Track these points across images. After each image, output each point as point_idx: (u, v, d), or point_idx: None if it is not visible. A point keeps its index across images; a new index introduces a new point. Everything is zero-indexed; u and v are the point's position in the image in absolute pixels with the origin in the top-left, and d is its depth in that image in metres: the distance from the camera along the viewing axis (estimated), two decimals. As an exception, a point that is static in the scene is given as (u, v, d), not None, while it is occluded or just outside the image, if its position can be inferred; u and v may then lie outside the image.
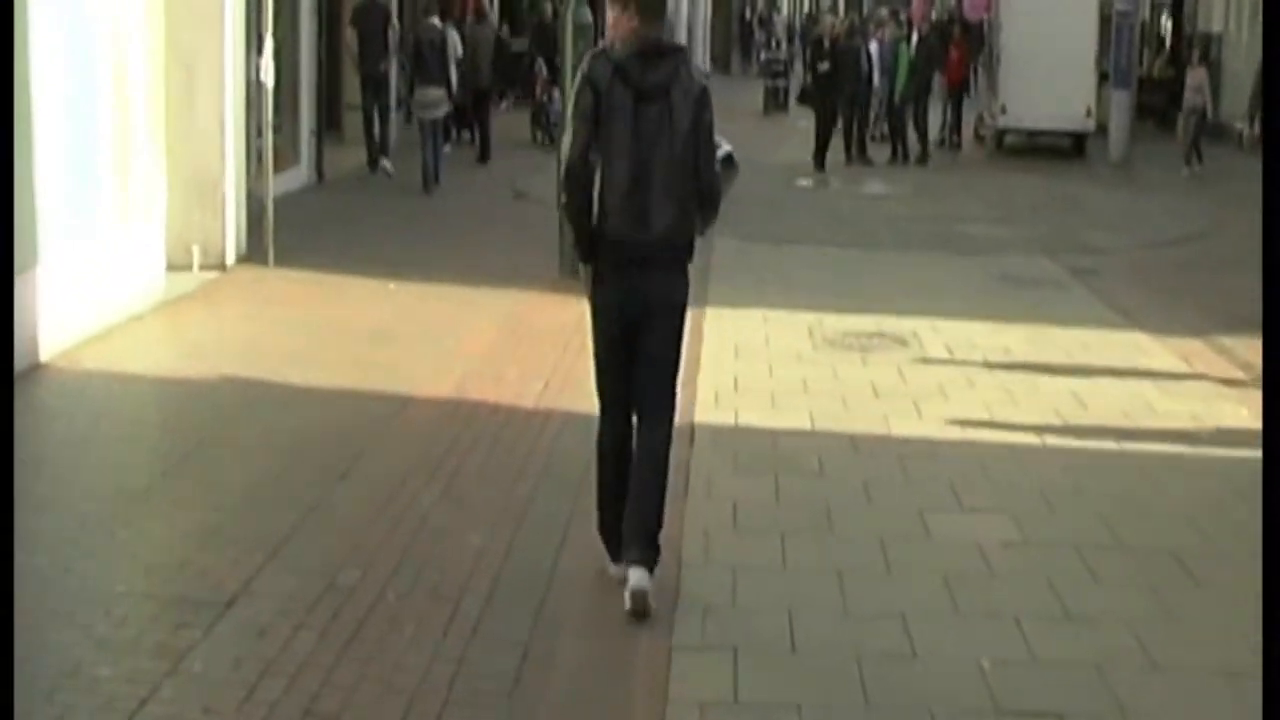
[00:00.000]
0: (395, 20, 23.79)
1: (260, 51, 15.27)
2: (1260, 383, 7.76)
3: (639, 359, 7.11)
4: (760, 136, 30.73)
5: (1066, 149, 30.10)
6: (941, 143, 30.39)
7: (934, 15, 46.38)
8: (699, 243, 7.33)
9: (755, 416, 10.26)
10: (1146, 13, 38.22)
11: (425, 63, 21.27)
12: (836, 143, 26.60)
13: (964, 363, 12.06)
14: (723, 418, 10.19)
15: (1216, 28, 35.77)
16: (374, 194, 20.94)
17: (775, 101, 38.31)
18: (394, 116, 23.90)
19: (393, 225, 18.31)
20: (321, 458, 9.09)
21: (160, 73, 13.50)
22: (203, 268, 14.33)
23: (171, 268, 13.71)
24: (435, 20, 22.00)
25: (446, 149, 23.07)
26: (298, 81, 20.93)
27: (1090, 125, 29.48)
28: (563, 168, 7.02)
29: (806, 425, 10.14)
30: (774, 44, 49.42)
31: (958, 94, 31.10)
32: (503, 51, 26.50)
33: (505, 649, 6.50)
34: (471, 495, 8.56)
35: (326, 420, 9.92)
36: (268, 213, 15.00)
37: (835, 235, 19.14)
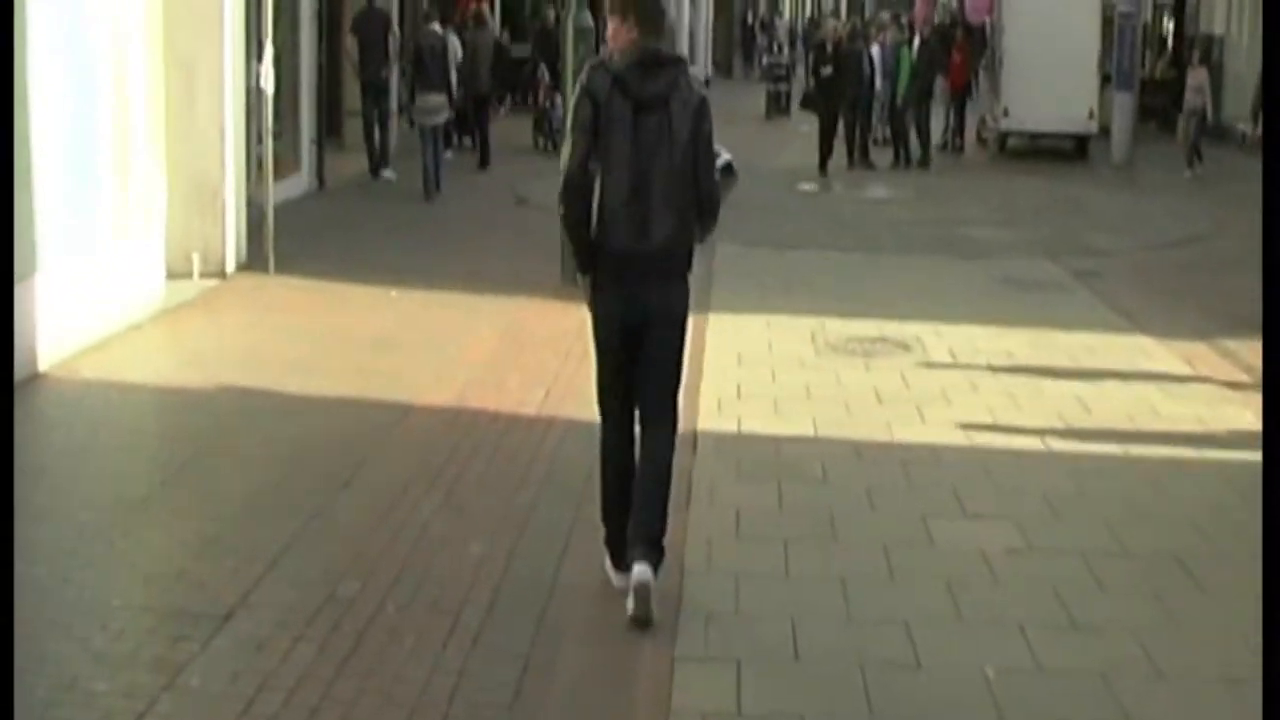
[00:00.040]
0: (396, 27, 23.77)
1: (260, 58, 15.24)
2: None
3: (641, 368, 7.11)
4: (762, 141, 30.72)
5: (1069, 151, 30.06)
6: (944, 146, 30.36)
7: (936, 18, 46.38)
8: (700, 248, 7.32)
9: (758, 423, 10.21)
10: (1148, 14, 38.18)
11: (426, 69, 21.25)
12: (839, 147, 26.55)
13: (967, 367, 12.01)
14: (725, 425, 10.14)
15: (1218, 29, 35.73)
16: (375, 201, 20.90)
17: (777, 106, 38.27)
18: (394, 123, 23.87)
19: (394, 232, 18.28)
20: (322, 466, 9.06)
21: (160, 78, 13.47)
22: (203, 275, 14.30)
23: (171, 276, 13.68)
24: (436, 26, 22.00)
25: (448, 155, 23.04)
26: (298, 88, 20.91)
27: (1093, 127, 29.44)
28: (562, 179, 6.99)
29: (809, 432, 10.09)
30: (776, 48, 49.24)
31: (960, 97, 31.06)
32: (502, 57, 26.46)
33: (506, 660, 6.45)
34: (473, 504, 8.52)
35: (327, 429, 9.88)
36: (268, 220, 14.96)
37: (837, 240, 19.10)
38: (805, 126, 29.29)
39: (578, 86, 7.02)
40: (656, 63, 6.96)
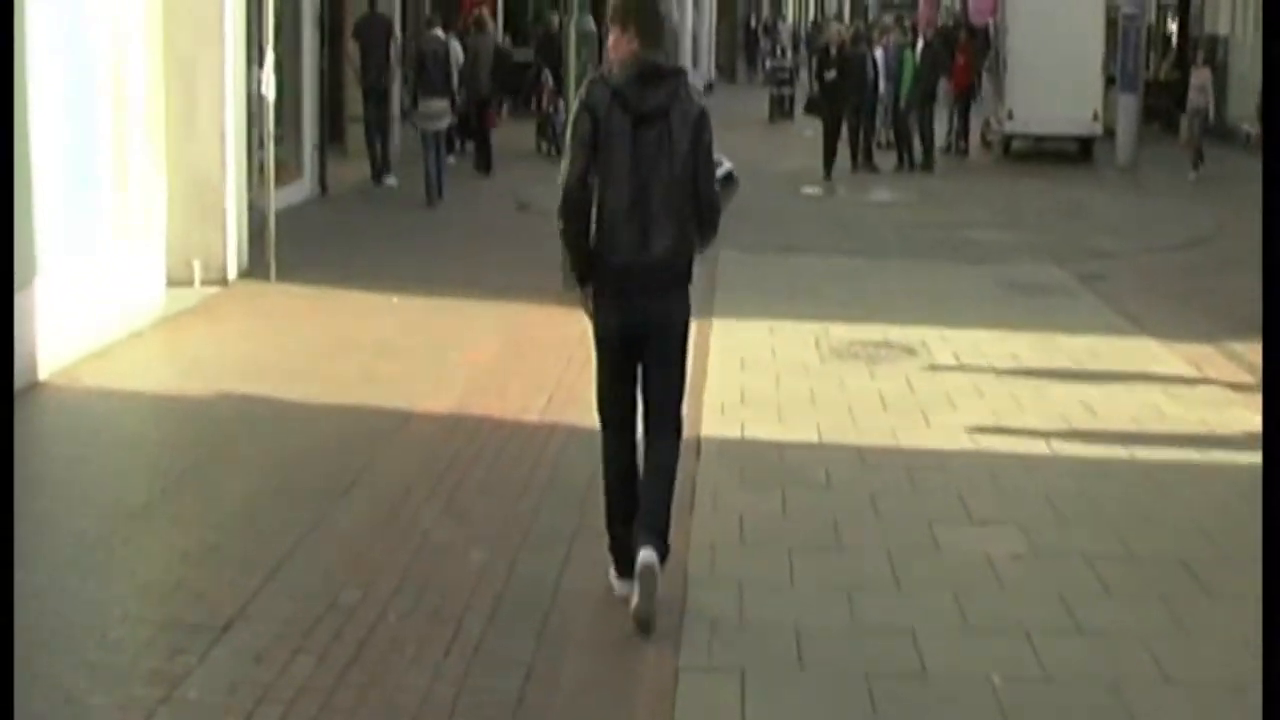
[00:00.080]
0: (398, 33, 23.75)
1: (261, 64, 15.19)
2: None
3: (644, 378, 7.13)
4: (765, 145, 30.70)
5: (1073, 153, 30.00)
6: (948, 148, 30.31)
7: (940, 20, 46.36)
8: (704, 253, 7.31)
9: (762, 429, 10.16)
10: (1152, 15, 38.11)
11: (428, 74, 21.23)
12: (843, 150, 26.50)
13: (971, 371, 11.96)
14: (729, 430, 10.09)
15: (1223, 30, 35.67)
16: (377, 206, 20.87)
17: (780, 109, 38.24)
18: (397, 129, 23.84)
19: (395, 238, 18.23)
20: (323, 474, 9.01)
21: (160, 84, 13.42)
22: (204, 282, 14.25)
23: (173, 283, 13.63)
24: (438, 31, 21.98)
25: (450, 160, 23.02)
26: (300, 94, 20.88)
27: (1097, 129, 29.38)
28: (561, 194, 6.98)
29: (814, 437, 10.03)
30: (779, 52, 49.30)
31: (964, 99, 31.00)
32: (503, 62, 26.42)
33: (508, 669, 6.40)
34: (474, 511, 8.47)
35: (328, 436, 9.84)
36: (269, 226, 14.91)
37: (841, 244, 19.04)
38: (809, 130, 29.26)
39: (577, 101, 7.03)
40: (656, 75, 6.95)
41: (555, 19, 29.96)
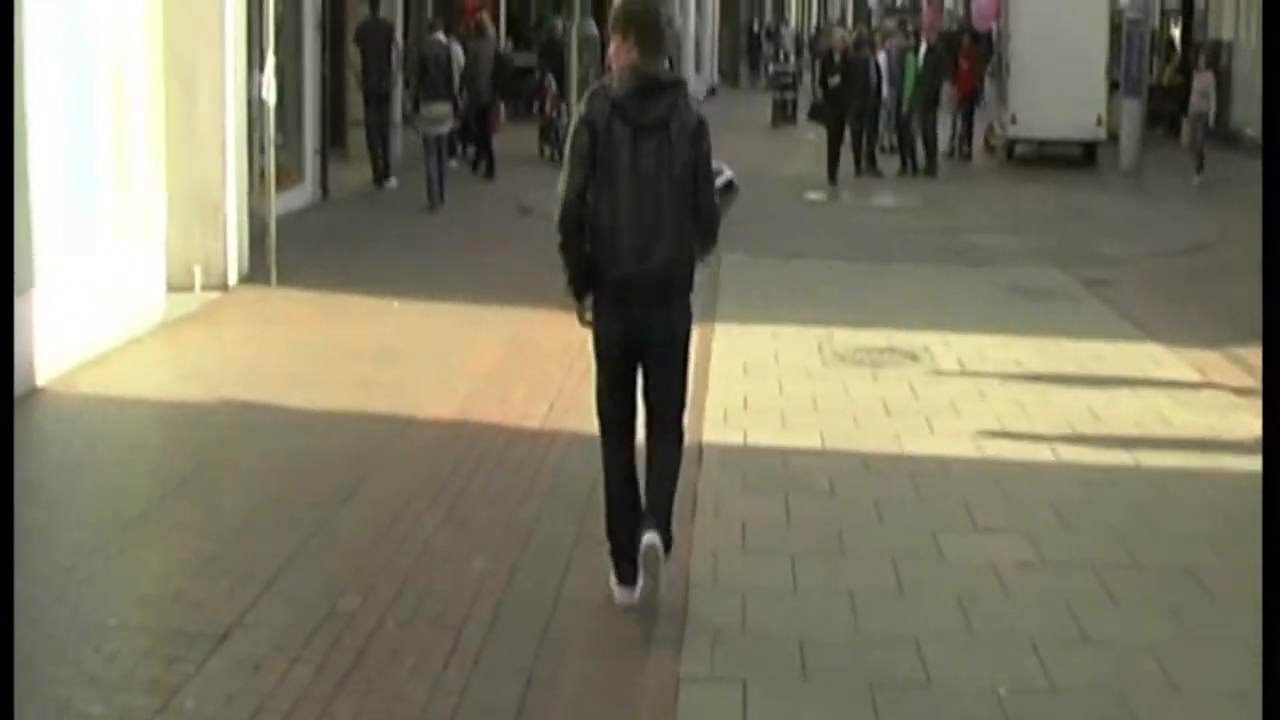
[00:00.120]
0: (399, 39, 23.71)
1: (262, 68, 15.14)
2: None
3: (645, 384, 7.15)
4: (769, 149, 30.66)
5: (1077, 158, 29.95)
6: (951, 153, 30.25)
7: (943, 25, 46.31)
8: (705, 262, 7.30)
9: (765, 435, 10.10)
10: (1156, 20, 38.07)
11: (430, 78, 21.19)
12: (846, 155, 26.45)
13: (975, 376, 11.89)
14: (731, 437, 10.03)
15: (1227, 35, 35.63)
16: (379, 211, 20.82)
17: (784, 114, 38.21)
18: (399, 134, 23.80)
19: (397, 242, 18.19)
20: (323, 481, 8.95)
21: (160, 89, 13.37)
22: (204, 288, 14.21)
23: (173, 288, 13.58)
24: (440, 35, 21.94)
25: (453, 164, 22.98)
26: (302, 99, 20.84)
27: (1101, 134, 29.31)
28: (559, 208, 7.00)
29: (817, 444, 9.97)
30: (782, 56, 49.25)
31: (968, 104, 30.95)
32: (503, 66, 26.37)
33: (508, 678, 6.34)
34: (475, 518, 8.42)
35: (329, 442, 9.78)
36: (270, 231, 14.86)
37: (844, 248, 18.97)
38: (812, 135, 29.24)
39: (576, 114, 7.06)
40: (656, 88, 6.96)
41: (559, 23, 29.94)
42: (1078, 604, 7.24)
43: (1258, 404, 10.78)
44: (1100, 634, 6.93)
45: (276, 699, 6.04)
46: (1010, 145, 30.28)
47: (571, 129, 7.05)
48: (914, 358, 12.46)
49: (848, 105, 26.26)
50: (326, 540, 7.96)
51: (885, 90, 28.00)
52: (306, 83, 21.02)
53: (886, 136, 29.19)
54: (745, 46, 60.29)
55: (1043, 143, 30.14)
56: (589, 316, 7.12)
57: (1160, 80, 36.95)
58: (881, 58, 28.40)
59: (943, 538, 8.15)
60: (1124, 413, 10.93)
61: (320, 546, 7.86)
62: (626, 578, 7.07)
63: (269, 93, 15.08)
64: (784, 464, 9.50)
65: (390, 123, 22.95)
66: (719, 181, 7.21)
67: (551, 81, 27.71)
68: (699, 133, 6.99)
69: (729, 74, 56.67)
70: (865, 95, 26.75)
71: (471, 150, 25.45)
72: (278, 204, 15.45)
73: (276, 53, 15.48)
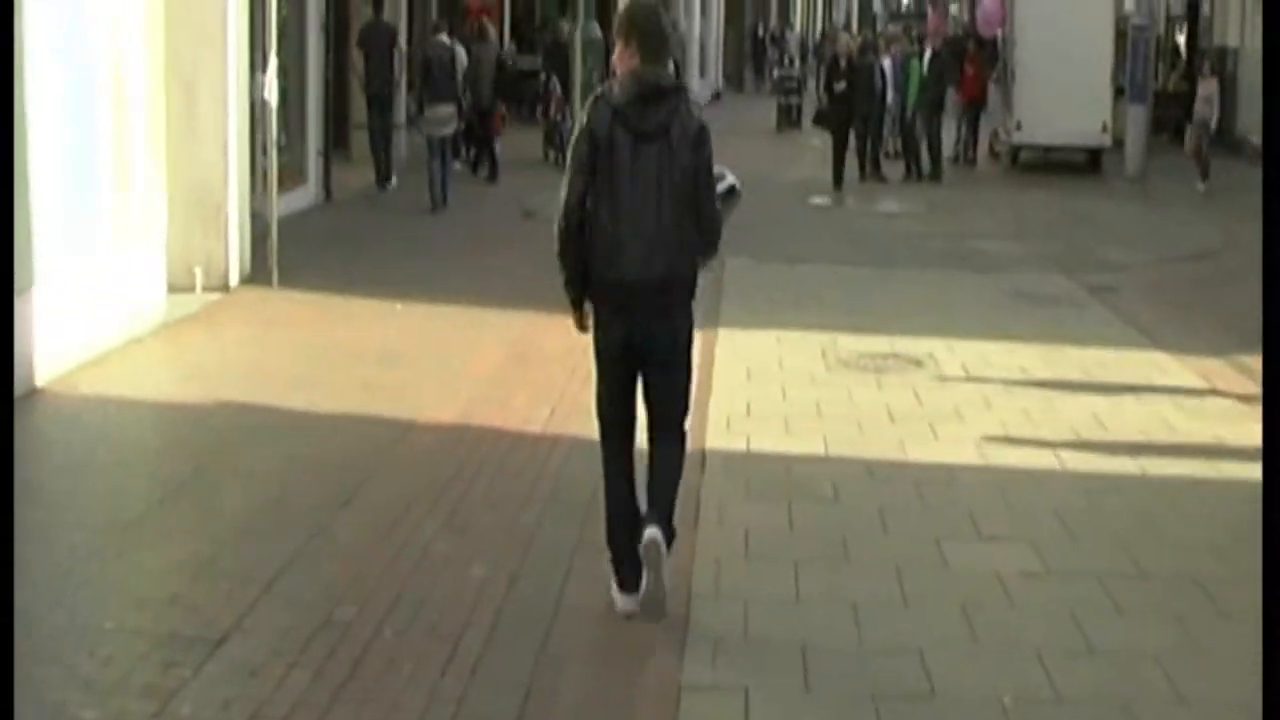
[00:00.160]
0: (402, 43, 23.69)
1: (264, 69, 15.09)
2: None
3: (648, 394, 7.11)
4: (774, 154, 30.62)
5: (1082, 164, 29.88)
6: (956, 159, 30.18)
7: (948, 31, 46.24)
8: (707, 268, 7.27)
9: (768, 441, 10.03)
10: (1161, 27, 38.01)
11: (434, 80, 21.15)
12: (850, 160, 26.38)
13: (980, 383, 11.83)
14: (734, 443, 9.97)
15: (1232, 42, 35.56)
16: (381, 213, 20.77)
17: (788, 119, 38.14)
18: (402, 136, 23.77)
19: (400, 244, 18.15)
20: (323, 484, 8.89)
21: (161, 89, 13.32)
22: (205, 289, 14.16)
23: (174, 289, 13.54)
24: (444, 37, 21.89)
25: (457, 166, 22.95)
26: (305, 100, 20.81)
27: (1106, 140, 29.24)
28: (559, 215, 6.97)
29: (820, 450, 9.91)
30: (787, 61, 49.20)
31: (974, 109, 30.88)
32: (504, 70, 26.32)
33: (507, 687, 6.28)
34: (476, 523, 8.35)
35: (329, 446, 9.72)
36: (272, 232, 14.82)
37: (848, 253, 18.91)
38: (816, 140, 29.17)
39: (578, 122, 7.05)
40: (657, 94, 6.92)
41: (564, 26, 29.91)
42: (1083, 613, 7.18)
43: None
44: (1105, 643, 6.87)
45: (273, 705, 5.98)
46: (1015, 151, 30.21)
47: (574, 136, 7.02)
48: (918, 364, 12.40)
49: (853, 111, 26.20)
50: (326, 544, 7.90)
51: (890, 96, 27.94)
52: (310, 84, 20.99)
53: (891, 142, 29.13)
54: (750, 51, 60.24)
55: (1048, 149, 30.08)
56: (587, 322, 7.09)
57: (1165, 87, 36.85)
58: (886, 63, 28.33)
59: (947, 546, 8.08)
60: (1129, 420, 10.87)
61: (319, 550, 7.80)
62: (628, 585, 7.01)
63: (271, 93, 15.03)
64: (787, 470, 9.44)
65: (393, 125, 22.89)
66: (721, 187, 7.17)
67: (556, 85, 27.68)
68: (700, 138, 6.95)
69: (734, 78, 56.62)
70: (870, 101, 26.68)
71: (473, 152, 25.41)
72: (280, 205, 15.40)
73: (279, 54, 15.44)
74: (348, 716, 5.93)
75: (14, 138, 9.95)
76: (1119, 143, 29.16)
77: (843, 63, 26.86)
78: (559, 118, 26.91)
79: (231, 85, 14.42)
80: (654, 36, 6.98)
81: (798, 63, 49.67)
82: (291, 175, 19.19)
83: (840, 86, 26.33)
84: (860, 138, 26.79)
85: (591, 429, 7.37)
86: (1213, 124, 27.19)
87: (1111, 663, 6.69)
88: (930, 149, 27.73)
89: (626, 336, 6.94)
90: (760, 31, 61.95)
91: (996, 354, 12.87)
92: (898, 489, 9.12)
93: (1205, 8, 39.01)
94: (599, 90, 7.21)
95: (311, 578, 7.39)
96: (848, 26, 68.39)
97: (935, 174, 27.56)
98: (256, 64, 15.47)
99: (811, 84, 43.03)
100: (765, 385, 11.57)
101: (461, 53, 22.21)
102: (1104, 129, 29.00)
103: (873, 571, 7.71)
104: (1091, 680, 6.51)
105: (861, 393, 11.43)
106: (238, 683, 6.18)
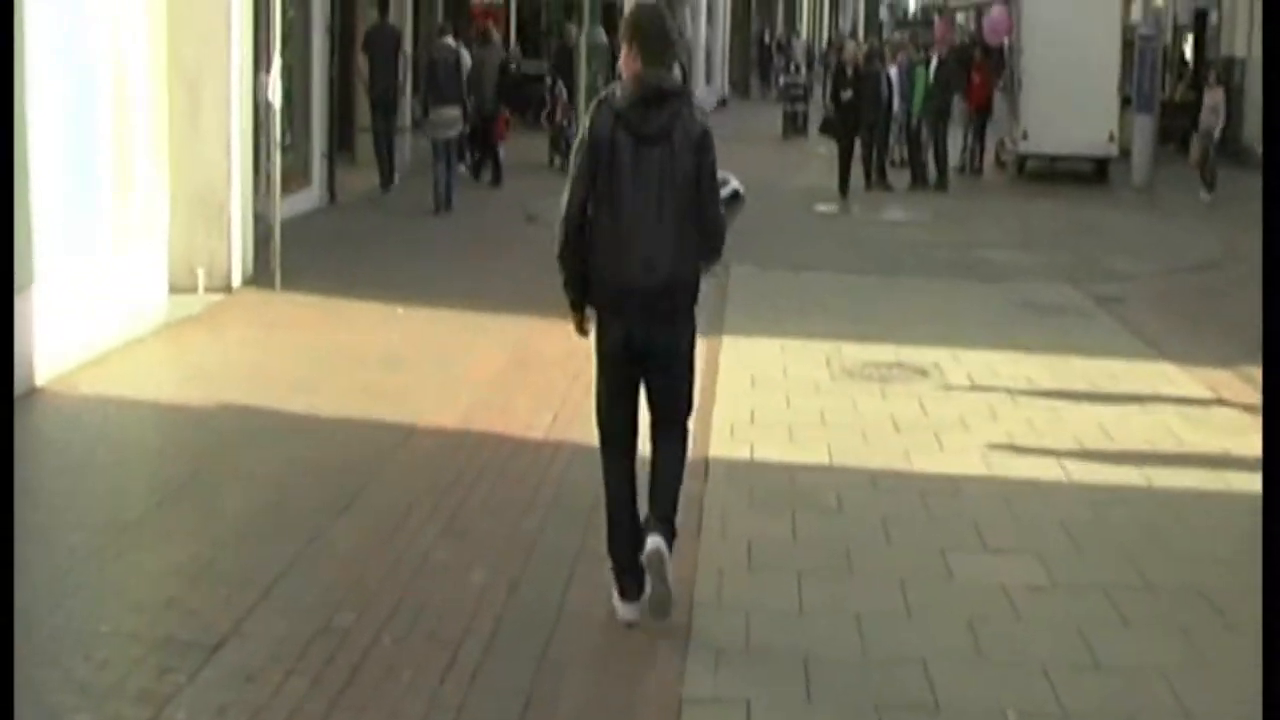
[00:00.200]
0: (407, 47, 23.67)
1: (268, 70, 15.04)
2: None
3: (649, 394, 7.08)
4: (779, 161, 30.55)
5: (1089, 174, 29.83)
6: (962, 168, 30.13)
7: (955, 39, 46.20)
8: (710, 273, 7.23)
9: (772, 451, 9.97)
10: (1168, 37, 37.96)
11: (439, 82, 21.12)
12: (856, 168, 26.33)
13: (986, 393, 11.76)
14: (738, 452, 9.90)
15: (1239, 51, 35.51)
16: (385, 215, 20.73)
17: (794, 126, 38.08)
18: (407, 139, 23.73)
19: (403, 248, 18.10)
20: (323, 489, 8.84)
21: (163, 90, 13.28)
22: (207, 290, 14.12)
23: (176, 290, 13.50)
24: (449, 40, 21.86)
25: (462, 169, 22.91)
26: (310, 102, 20.76)
27: (1113, 150, 29.18)
28: (561, 221, 6.94)
29: (825, 460, 9.84)
30: (793, 68, 49.13)
31: (981, 118, 30.83)
32: (507, 75, 26.27)
33: (507, 695, 6.22)
34: (476, 529, 8.30)
35: (330, 449, 9.67)
36: (275, 234, 14.77)
37: (854, 261, 18.84)
38: (822, 147, 29.14)
39: (581, 126, 7.02)
40: (659, 97, 6.88)
41: (573, 30, 29.85)
42: (1088, 626, 7.12)
43: (1271, 424, 10.69)
44: (1111, 657, 6.80)
45: (270, 711, 5.93)
46: (1022, 160, 30.15)
47: (577, 141, 6.99)
48: (924, 373, 12.34)
49: (859, 119, 26.16)
50: (325, 549, 7.85)
51: (896, 104, 27.88)
52: (315, 86, 20.94)
53: (897, 150, 29.07)
54: (756, 58, 60.21)
55: (1054, 158, 30.02)
56: (587, 325, 7.07)
57: (1172, 96, 36.78)
58: (892, 71, 28.27)
59: (952, 557, 8.02)
60: (1135, 430, 10.81)
61: (319, 555, 7.75)
62: (629, 593, 6.98)
63: (274, 95, 14.98)
64: (791, 480, 9.37)
65: (397, 128, 22.85)
66: (724, 192, 7.13)
67: (562, 89, 27.63)
68: (703, 143, 6.91)
69: (740, 85, 56.57)
70: (876, 109, 26.65)
71: (475, 156, 25.36)
72: (284, 207, 15.37)
73: (284, 55, 15.39)
74: (345, 724, 5.88)
75: (14, 138, 9.91)
76: (1125, 152, 29.09)
77: (849, 71, 26.84)
78: (565, 122, 26.86)
79: (235, 86, 14.37)
80: (657, 40, 6.95)
81: (804, 70, 49.58)
82: (295, 177, 19.15)
83: (846, 94, 26.30)
84: (866, 146, 26.75)
85: (593, 435, 7.32)
86: (1216, 133, 27.12)
87: (1117, 676, 6.62)
88: (936, 157, 27.67)
89: (628, 341, 6.90)
90: (766, 39, 61.93)
91: (1002, 364, 12.81)
92: (902, 499, 9.06)
93: (1212, 17, 38.97)
94: (602, 93, 7.18)
95: (310, 582, 7.33)
96: (854, 34, 68.34)
97: (941, 183, 27.50)
98: (260, 65, 15.43)
99: (817, 91, 43.02)
100: (769, 393, 11.50)
101: (466, 56, 22.19)
102: (1110, 138, 28.94)
103: (876, 582, 7.64)
104: (1097, 694, 6.44)
105: (866, 402, 11.36)
106: (234, 689, 6.13)
